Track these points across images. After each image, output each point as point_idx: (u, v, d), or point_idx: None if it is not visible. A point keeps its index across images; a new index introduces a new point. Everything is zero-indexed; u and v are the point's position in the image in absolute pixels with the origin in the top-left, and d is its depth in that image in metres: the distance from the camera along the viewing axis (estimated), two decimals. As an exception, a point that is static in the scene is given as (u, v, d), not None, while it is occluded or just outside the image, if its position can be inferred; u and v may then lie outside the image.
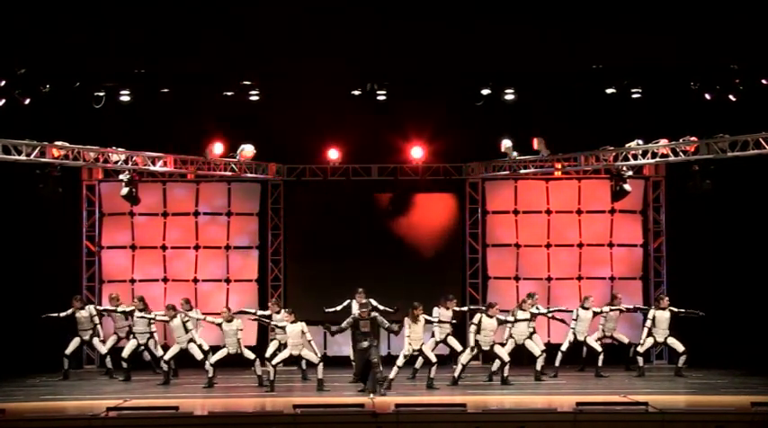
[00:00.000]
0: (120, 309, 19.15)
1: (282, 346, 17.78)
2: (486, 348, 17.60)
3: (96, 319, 19.13)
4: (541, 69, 18.69)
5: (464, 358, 17.62)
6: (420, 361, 17.83)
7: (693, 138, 17.98)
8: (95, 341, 19.06)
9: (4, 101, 18.21)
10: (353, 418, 13.82)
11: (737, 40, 17.03)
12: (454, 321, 18.12)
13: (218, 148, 19.79)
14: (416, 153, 20.83)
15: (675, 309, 18.63)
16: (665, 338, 18.54)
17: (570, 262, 21.43)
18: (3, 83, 18.05)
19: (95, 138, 18.64)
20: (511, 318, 18.10)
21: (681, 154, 18.16)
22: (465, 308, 19.10)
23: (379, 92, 19.59)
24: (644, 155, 18.68)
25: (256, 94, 19.67)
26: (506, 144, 20.11)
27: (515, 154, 20.16)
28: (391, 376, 17.15)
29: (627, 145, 18.92)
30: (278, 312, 18.21)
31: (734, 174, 18.81)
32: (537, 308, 18.48)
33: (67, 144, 17.95)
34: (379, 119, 20.32)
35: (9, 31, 16.80)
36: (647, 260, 21.36)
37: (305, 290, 20.83)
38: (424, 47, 17.52)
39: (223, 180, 21.22)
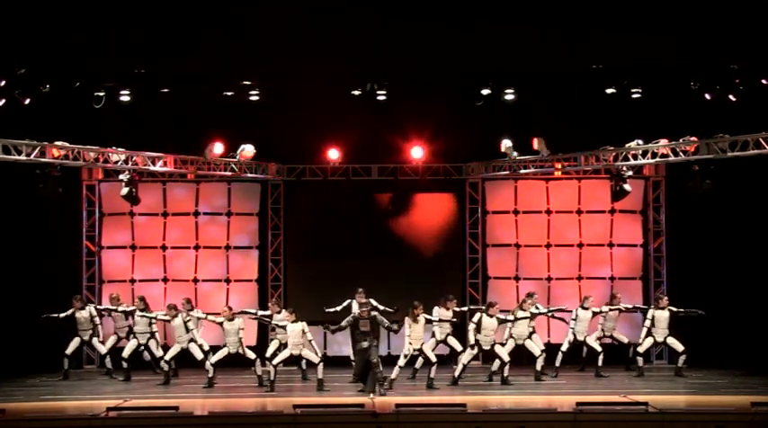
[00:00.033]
0: (121, 309, 19.15)
1: (283, 346, 17.78)
2: (486, 348, 17.61)
3: (97, 320, 19.13)
4: (541, 69, 18.69)
5: (465, 357, 17.62)
6: (420, 360, 17.83)
7: (693, 138, 17.98)
8: (95, 341, 19.05)
9: (4, 101, 18.21)
10: (353, 418, 13.82)
11: (737, 40, 17.03)
12: (455, 320, 18.11)
13: (218, 148, 19.78)
14: (416, 153, 20.83)
15: (674, 309, 18.64)
16: (665, 338, 18.54)
17: (570, 262, 21.43)
18: (3, 83, 18.05)
19: (95, 138, 18.64)
20: (511, 317, 18.10)
21: (681, 154, 18.17)
22: (465, 309, 19.09)
23: (379, 92, 19.59)
24: (644, 155, 18.68)
25: (256, 94, 19.67)
26: (506, 144, 20.10)
27: (515, 154, 20.16)
28: (393, 376, 17.17)
29: (627, 145, 18.93)
30: (278, 312, 18.21)
31: (734, 174, 18.81)
32: (536, 308, 18.49)
33: (67, 144, 17.95)
34: (379, 119, 20.33)
35: (9, 31, 16.79)
36: (647, 260, 21.36)
37: (305, 290, 20.83)
38: (424, 47, 17.52)
39: (223, 180, 21.22)
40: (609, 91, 19.48)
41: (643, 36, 17.03)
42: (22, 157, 17.18)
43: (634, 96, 19.43)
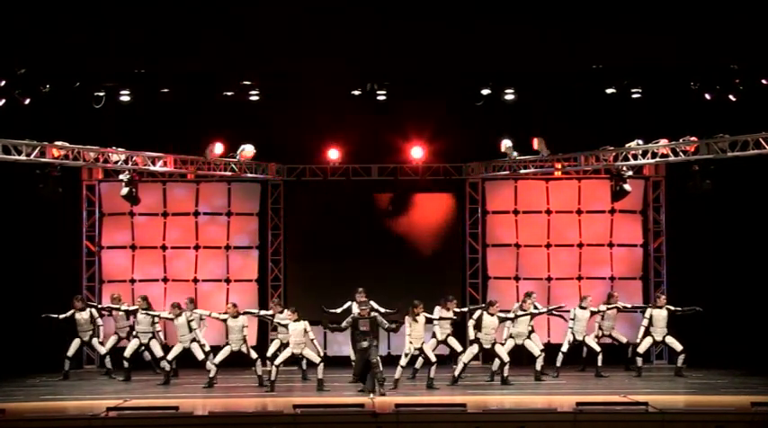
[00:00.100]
0: (123, 308, 19.16)
1: (284, 346, 17.77)
2: (487, 346, 17.62)
3: (99, 321, 19.14)
4: (541, 69, 18.68)
5: (465, 357, 17.64)
6: (420, 360, 17.84)
7: (693, 138, 17.98)
8: (95, 341, 19.05)
9: (4, 101, 18.21)
10: (353, 418, 13.83)
11: (737, 40, 17.03)
12: (455, 318, 18.09)
13: (218, 148, 19.77)
14: (416, 153, 20.83)
15: (672, 308, 18.67)
16: (664, 337, 18.56)
17: (570, 262, 21.43)
18: (3, 83, 18.04)
19: (95, 138, 18.64)
20: (511, 315, 18.12)
21: (681, 154, 18.17)
22: (465, 309, 19.09)
23: (379, 92, 19.59)
24: (644, 155, 18.68)
25: (256, 94, 19.67)
26: (506, 144, 20.10)
27: (515, 154, 20.16)
28: (396, 376, 17.21)
29: (627, 145, 18.92)
30: (281, 312, 18.20)
31: (734, 174, 18.81)
32: (535, 307, 18.48)
33: (67, 144, 17.95)
34: (379, 119, 20.33)
35: (9, 31, 16.78)
36: (647, 260, 21.36)
37: (305, 290, 20.82)
38: (424, 47, 17.51)
39: (223, 180, 21.22)
40: (609, 91, 19.47)
41: (643, 36, 17.02)
42: (22, 157, 17.18)
43: (634, 96, 19.42)
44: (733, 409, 14.17)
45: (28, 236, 20.51)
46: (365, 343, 16.46)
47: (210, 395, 17.00)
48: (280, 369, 17.25)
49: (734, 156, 17.28)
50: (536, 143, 19.74)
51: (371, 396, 15.92)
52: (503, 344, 17.96)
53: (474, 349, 17.71)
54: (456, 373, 17.56)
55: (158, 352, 18.47)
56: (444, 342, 18.00)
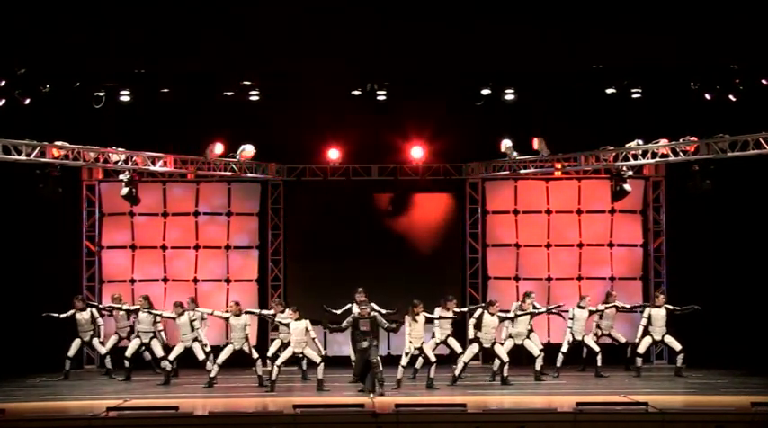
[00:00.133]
0: (125, 307, 19.16)
1: (284, 345, 17.76)
2: (487, 345, 17.64)
3: (99, 321, 19.14)
4: (541, 69, 18.67)
5: (466, 356, 17.65)
6: (420, 360, 17.85)
7: (693, 138, 17.99)
8: (95, 342, 19.05)
9: (4, 101, 18.21)
10: (353, 418, 13.83)
11: (737, 40, 17.02)
12: (455, 317, 18.08)
13: (218, 148, 19.77)
14: (416, 153, 20.83)
15: (671, 307, 18.68)
16: (663, 336, 18.56)
17: (570, 262, 21.43)
18: (3, 83, 18.04)
19: (95, 138, 18.64)
20: (512, 315, 18.12)
21: (681, 154, 18.17)
22: (465, 309, 19.09)
23: (379, 92, 19.59)
24: (644, 155, 18.69)
25: (256, 94, 19.67)
26: (506, 144, 20.10)
27: (515, 154, 20.16)
28: (398, 376, 17.24)
29: (627, 145, 18.93)
30: (282, 311, 18.20)
31: (734, 174, 18.81)
32: (534, 307, 18.48)
33: (67, 144, 17.95)
34: (379, 119, 20.33)
35: (9, 31, 16.78)
36: (647, 260, 21.36)
37: (305, 290, 20.82)
38: (424, 47, 17.51)
39: (223, 180, 21.22)
40: (609, 91, 19.47)
41: (643, 36, 17.02)
42: (22, 157, 17.18)
43: (634, 96, 19.42)
44: (733, 409, 14.17)
45: (28, 236, 20.51)
46: (365, 343, 16.47)
47: (210, 395, 17.00)
48: (281, 369, 17.23)
49: (734, 156, 17.28)
50: (536, 143, 19.74)
51: (371, 396, 15.92)
52: (502, 344, 17.96)
53: (474, 348, 17.73)
54: (456, 372, 17.57)
55: (159, 351, 18.46)
56: (444, 342, 17.99)
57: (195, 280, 21.31)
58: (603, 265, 21.36)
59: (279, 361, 17.21)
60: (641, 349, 18.63)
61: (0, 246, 20.37)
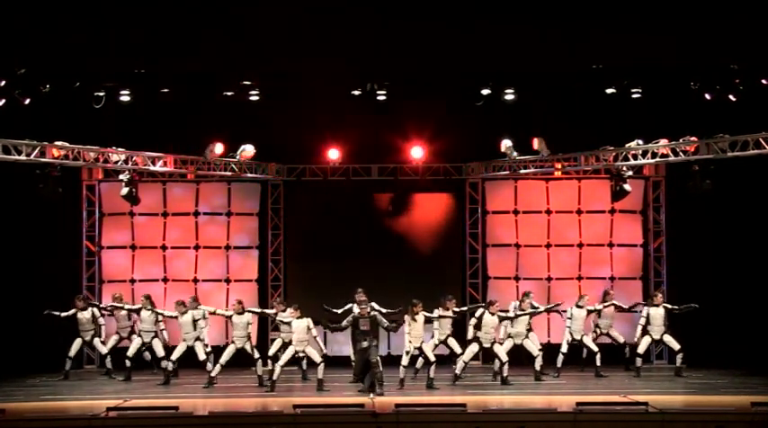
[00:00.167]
0: (127, 307, 19.17)
1: (285, 345, 17.75)
2: (486, 345, 17.65)
3: (101, 320, 19.14)
4: (541, 69, 18.67)
5: (466, 356, 17.68)
6: (421, 361, 17.86)
7: (693, 138, 17.99)
8: (96, 341, 19.04)
9: (4, 101, 18.20)
10: (353, 418, 13.83)
11: (737, 40, 17.02)
12: (455, 316, 18.07)
13: (218, 148, 19.76)
14: (416, 153, 20.83)
15: (670, 306, 18.70)
16: (661, 335, 18.56)
17: (570, 262, 21.43)
18: (3, 83, 18.04)
19: (95, 138, 18.64)
20: (512, 314, 18.12)
21: (681, 154, 18.18)
22: (465, 308, 19.10)
23: (379, 92, 19.58)
24: (644, 155, 18.69)
25: (256, 94, 19.66)
26: (506, 144, 20.10)
27: (515, 154, 20.16)
28: (401, 375, 17.24)
29: (627, 145, 18.93)
30: (283, 310, 18.19)
31: (734, 174, 18.81)
32: (532, 306, 18.47)
33: (67, 144, 17.95)
34: (379, 119, 20.33)
35: (9, 31, 16.78)
36: (647, 260, 21.36)
37: (305, 290, 20.81)
38: (424, 47, 17.51)
39: (223, 180, 21.22)
40: (609, 91, 19.46)
41: (643, 36, 17.02)
42: (22, 157, 17.19)
43: (634, 96, 19.41)
44: (733, 409, 14.17)
45: (28, 236, 20.51)
46: (365, 343, 16.49)
47: (210, 395, 17.00)
48: (289, 368, 17.21)
49: (734, 156, 17.28)
50: (536, 143, 19.73)
51: (371, 396, 15.92)
52: (501, 344, 17.96)
53: (474, 347, 17.75)
54: (457, 371, 17.58)
55: (160, 351, 18.46)
56: (444, 342, 18.00)
57: (195, 280, 21.31)
58: (603, 265, 21.36)
59: (281, 362, 17.20)
60: (641, 349, 18.63)
61: (0, 246, 20.36)
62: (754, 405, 13.84)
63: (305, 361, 18.19)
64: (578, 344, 18.71)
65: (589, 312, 18.83)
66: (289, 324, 17.48)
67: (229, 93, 19.57)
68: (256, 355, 17.74)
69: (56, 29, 16.80)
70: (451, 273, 21.36)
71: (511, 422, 13.76)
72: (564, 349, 18.62)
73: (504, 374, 17.53)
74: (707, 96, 18.97)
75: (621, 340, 19.30)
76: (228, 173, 20.39)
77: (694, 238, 20.69)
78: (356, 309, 17.18)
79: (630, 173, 19.80)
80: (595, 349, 18.55)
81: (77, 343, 18.91)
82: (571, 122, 20.14)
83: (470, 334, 17.98)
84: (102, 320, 19.18)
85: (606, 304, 19.05)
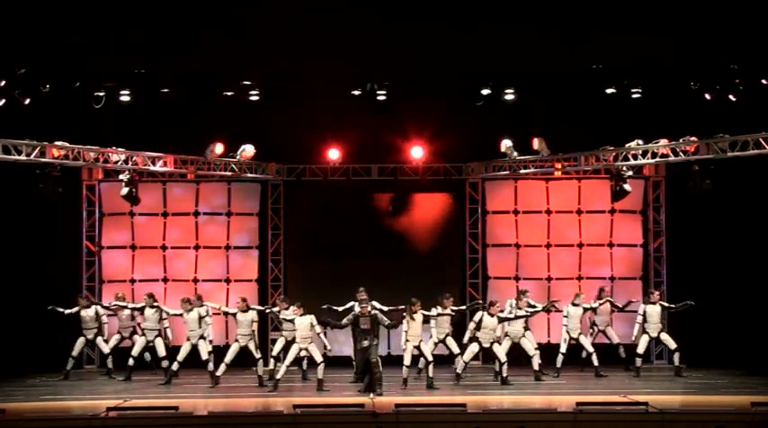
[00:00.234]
0: (131, 306, 19.17)
1: (289, 343, 17.73)
2: (486, 345, 17.66)
3: (104, 318, 19.15)
4: (541, 69, 18.67)
5: (466, 356, 17.70)
6: (422, 361, 17.86)
7: (693, 138, 17.99)
8: (99, 340, 19.04)
9: (4, 101, 18.20)
10: (353, 418, 13.83)
11: (737, 40, 17.02)
12: (452, 314, 18.06)
13: (218, 148, 19.76)
14: (416, 153, 20.83)
15: (666, 304, 18.72)
16: (658, 333, 18.57)
17: (570, 262, 21.43)
18: (3, 83, 18.04)
19: (95, 138, 18.65)
20: (511, 315, 18.12)
21: (681, 154, 18.18)
22: (464, 307, 19.10)
23: (379, 92, 19.58)
24: (644, 155, 18.69)
25: (256, 94, 19.66)
26: (506, 144, 20.10)
27: (515, 154, 20.16)
28: (404, 375, 17.23)
29: (627, 145, 18.93)
30: (286, 308, 18.18)
31: (734, 174, 18.81)
32: (529, 304, 18.46)
33: (67, 144, 17.96)
34: (379, 119, 20.33)
35: (9, 31, 16.78)
36: (647, 260, 21.36)
37: (305, 290, 20.77)
38: (424, 47, 17.50)
39: (223, 180, 21.22)
40: (609, 91, 19.46)
41: (643, 36, 17.02)
42: (22, 157, 17.19)
43: (634, 96, 19.41)
44: (733, 409, 14.17)
45: (28, 236, 20.51)
46: (366, 342, 16.51)
47: (210, 395, 17.00)
48: (289, 368, 17.20)
49: (734, 156, 17.29)
50: (536, 143, 19.74)
51: (371, 395, 15.92)
52: (500, 344, 17.95)
53: (474, 348, 17.76)
54: (458, 370, 17.60)
55: (161, 351, 18.44)
56: (443, 341, 18.00)
57: (195, 280, 21.31)
58: (603, 265, 21.36)
59: (287, 361, 17.17)
60: (640, 348, 18.63)
61: (0, 246, 20.36)
62: (754, 405, 13.84)
63: (305, 361, 18.18)
64: (577, 344, 18.72)
65: (585, 310, 18.86)
66: (292, 321, 17.49)
67: (229, 93, 19.57)
68: (258, 355, 17.74)
69: (56, 29, 16.80)
70: (451, 273, 21.36)
71: (511, 422, 13.76)
72: (563, 349, 18.63)
73: (504, 374, 17.53)
74: (707, 96, 18.96)
75: (616, 340, 19.29)
76: (228, 173, 20.39)
77: (694, 238, 20.69)
78: (357, 308, 17.19)
79: (630, 173, 19.80)
80: (591, 349, 18.57)
81: (80, 342, 18.90)
82: (571, 122, 20.14)
83: (467, 338, 17.97)
84: (105, 318, 19.20)
85: (602, 301, 19.06)
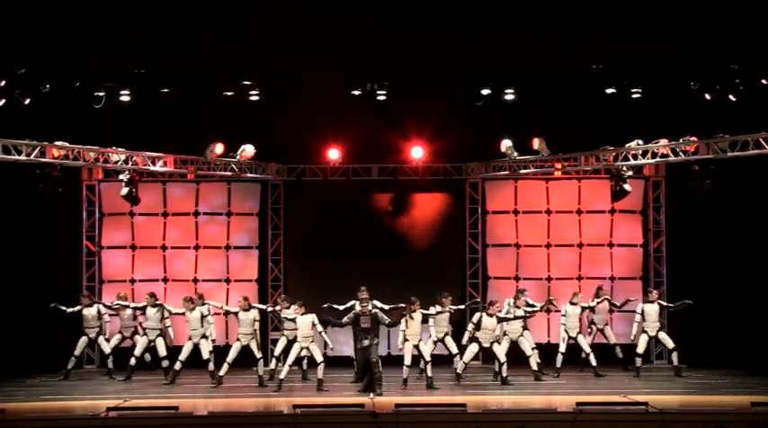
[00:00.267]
0: (133, 305, 19.17)
1: (290, 343, 17.73)
2: (486, 345, 17.66)
3: (106, 317, 19.15)
4: (541, 69, 18.68)
5: (466, 356, 17.71)
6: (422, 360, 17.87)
7: (693, 138, 17.99)
8: (101, 339, 19.05)
9: (4, 101, 18.21)
10: (353, 418, 13.84)
11: (737, 40, 17.03)
12: (451, 312, 18.04)
13: (218, 148, 19.76)
14: (416, 153, 20.83)
15: (665, 303, 18.74)
16: (657, 332, 18.59)
17: (570, 262, 21.43)
18: (3, 83, 18.04)
19: (95, 138, 18.64)
20: (510, 316, 18.12)
21: (681, 154, 18.18)
22: (463, 306, 19.10)
23: (379, 92, 19.58)
24: (644, 155, 18.69)
25: (256, 94, 19.67)
26: (506, 144, 20.10)
27: (515, 154, 20.16)
28: (405, 375, 17.22)
29: (627, 145, 18.93)
30: (287, 308, 18.18)
31: (734, 174, 18.82)
32: (527, 303, 18.47)
33: (67, 144, 17.95)
34: (379, 119, 20.33)
35: (9, 31, 16.78)
36: (647, 260, 21.36)
37: (305, 290, 20.71)
38: (424, 47, 17.51)
39: (223, 180, 21.22)
40: (609, 91, 19.47)
41: (643, 36, 17.02)
42: (22, 157, 17.19)
43: (634, 96, 19.42)
44: (733, 409, 14.18)
45: (28, 236, 20.51)
46: (366, 341, 16.52)
47: (210, 395, 16.99)
48: (290, 368, 17.20)
49: (734, 156, 17.29)
50: (536, 143, 19.74)
51: (371, 395, 15.92)
52: (500, 343, 17.95)
53: (474, 348, 17.76)
54: (459, 370, 17.60)
55: (162, 351, 18.43)
56: (441, 341, 18.00)
57: (195, 280, 21.31)
58: (603, 265, 21.36)
59: (289, 361, 17.17)
60: (640, 348, 18.63)
61: (0, 246, 20.36)
62: (754, 405, 13.84)
63: (305, 361, 18.18)
64: (575, 343, 18.73)
65: (583, 309, 18.87)
66: (293, 320, 17.49)
67: (229, 93, 19.58)
68: (259, 355, 17.74)
69: (56, 29, 16.81)
70: (451, 273, 21.36)
71: (511, 422, 13.76)
72: (562, 348, 18.63)
73: (504, 374, 17.54)
74: (707, 96, 18.97)
75: (613, 340, 19.28)
76: (228, 173, 20.39)
77: (694, 238, 20.69)
78: (358, 307, 17.18)
79: (630, 173, 19.80)
80: (588, 350, 18.57)
81: (83, 341, 18.90)
82: (571, 122, 20.14)
83: (466, 338, 17.97)
84: (107, 317, 19.21)
85: (599, 300, 19.07)
